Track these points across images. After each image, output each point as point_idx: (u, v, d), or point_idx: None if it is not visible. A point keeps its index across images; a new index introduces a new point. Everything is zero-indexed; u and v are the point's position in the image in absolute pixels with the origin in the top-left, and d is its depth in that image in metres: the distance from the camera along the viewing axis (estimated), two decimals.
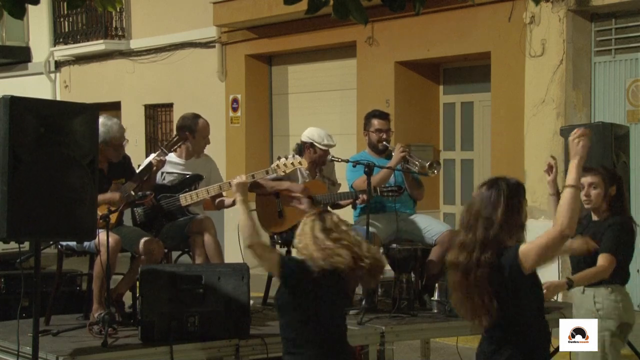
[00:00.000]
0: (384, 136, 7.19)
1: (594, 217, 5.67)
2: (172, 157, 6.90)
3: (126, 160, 6.64)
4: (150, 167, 6.56)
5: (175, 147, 6.77)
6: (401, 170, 7.06)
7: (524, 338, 4.16)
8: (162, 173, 6.84)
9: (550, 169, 5.94)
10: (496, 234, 4.12)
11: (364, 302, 6.37)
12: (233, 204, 7.03)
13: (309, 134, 7.14)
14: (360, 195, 6.85)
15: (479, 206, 4.20)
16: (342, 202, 7.16)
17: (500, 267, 4.09)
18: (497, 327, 4.19)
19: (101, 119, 6.27)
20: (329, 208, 7.24)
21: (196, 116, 7.02)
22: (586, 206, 5.71)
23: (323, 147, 7.09)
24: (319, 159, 7.14)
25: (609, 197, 5.63)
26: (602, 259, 5.40)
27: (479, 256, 4.12)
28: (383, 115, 7.29)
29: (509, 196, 4.17)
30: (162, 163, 6.60)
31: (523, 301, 4.13)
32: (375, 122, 7.22)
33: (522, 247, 4.09)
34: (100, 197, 6.14)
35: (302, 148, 7.14)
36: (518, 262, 4.06)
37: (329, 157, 7.07)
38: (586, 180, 5.62)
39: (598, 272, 5.41)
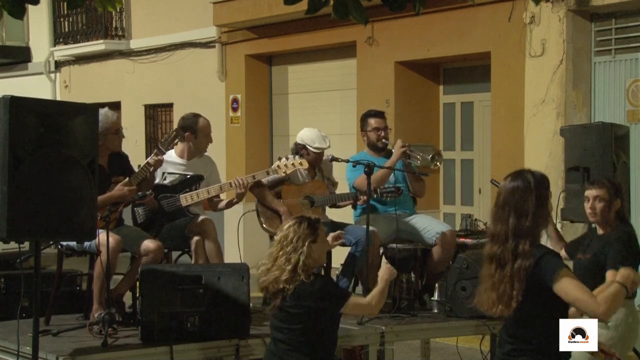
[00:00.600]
0: (382, 134, 7.19)
1: (599, 231, 5.65)
2: (173, 157, 6.89)
3: (124, 157, 6.64)
4: (148, 167, 6.55)
5: (172, 144, 6.75)
6: (402, 170, 7.05)
7: (538, 348, 4.18)
8: (163, 173, 6.83)
9: None
10: (529, 225, 4.12)
11: None
12: (226, 206, 7.04)
13: (303, 136, 7.13)
14: (361, 197, 6.85)
15: (507, 197, 4.19)
16: (341, 203, 7.16)
17: (540, 268, 4.08)
18: (513, 328, 4.21)
19: None
20: (327, 208, 7.26)
21: (196, 115, 7.01)
22: (591, 219, 5.69)
23: (314, 150, 7.08)
24: (312, 160, 7.12)
25: (613, 210, 5.61)
26: (611, 275, 5.25)
27: (515, 246, 4.11)
28: (379, 114, 7.30)
29: (537, 187, 4.18)
30: (159, 162, 6.58)
31: (546, 307, 4.13)
32: (372, 121, 7.22)
33: (564, 279, 4.02)
34: (111, 195, 6.14)
35: (298, 149, 7.14)
36: (552, 280, 4.04)
37: (329, 157, 7.06)
38: (591, 193, 5.60)
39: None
